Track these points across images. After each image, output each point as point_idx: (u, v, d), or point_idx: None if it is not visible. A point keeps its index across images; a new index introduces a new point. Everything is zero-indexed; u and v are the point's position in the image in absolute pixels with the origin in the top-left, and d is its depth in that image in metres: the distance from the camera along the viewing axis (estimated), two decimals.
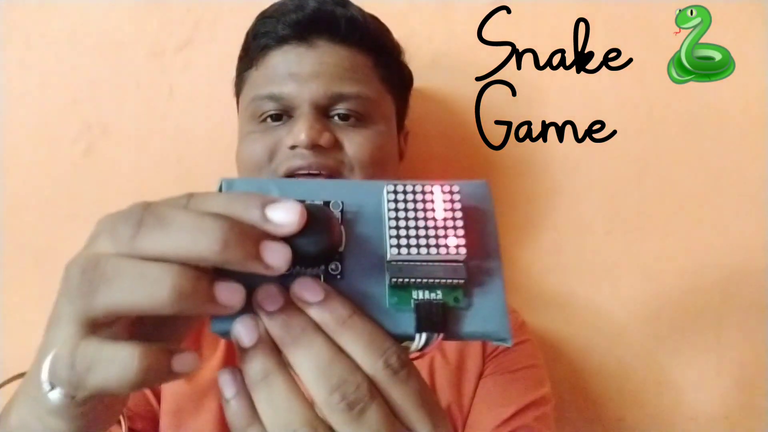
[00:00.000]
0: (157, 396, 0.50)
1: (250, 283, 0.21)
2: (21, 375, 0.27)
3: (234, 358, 0.52)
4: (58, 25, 0.66)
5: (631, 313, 0.69)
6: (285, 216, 0.21)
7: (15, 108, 0.66)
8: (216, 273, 0.21)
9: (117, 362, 0.20)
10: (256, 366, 0.22)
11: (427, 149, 0.67)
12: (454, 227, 0.23)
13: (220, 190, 0.25)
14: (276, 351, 0.22)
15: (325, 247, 0.22)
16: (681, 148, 0.68)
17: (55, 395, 0.21)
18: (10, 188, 0.66)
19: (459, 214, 0.23)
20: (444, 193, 0.23)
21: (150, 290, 0.19)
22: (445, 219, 0.23)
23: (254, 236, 0.20)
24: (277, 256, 0.20)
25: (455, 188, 0.24)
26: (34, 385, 0.22)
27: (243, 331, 0.22)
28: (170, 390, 0.50)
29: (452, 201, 0.23)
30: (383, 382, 0.22)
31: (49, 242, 0.66)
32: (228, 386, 0.22)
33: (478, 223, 0.25)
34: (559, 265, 0.69)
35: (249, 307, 0.22)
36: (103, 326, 0.21)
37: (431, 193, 0.23)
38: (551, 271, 0.69)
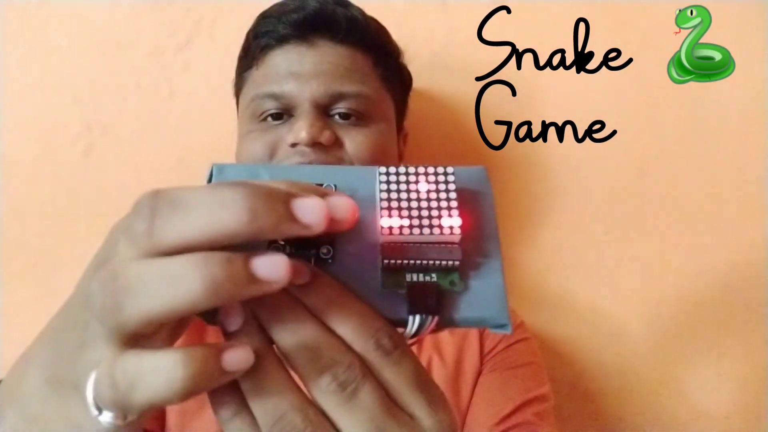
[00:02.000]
0: None
1: None
2: None
3: None
4: (58, 25, 0.66)
5: (631, 313, 0.69)
6: (343, 212, 0.20)
7: (15, 108, 0.66)
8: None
9: (161, 373, 0.18)
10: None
11: (427, 149, 0.67)
12: (448, 207, 0.22)
13: (211, 174, 0.24)
14: (262, 335, 0.21)
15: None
16: (681, 148, 0.68)
17: (106, 419, 0.19)
18: (10, 188, 0.66)
19: (453, 195, 0.22)
20: (438, 174, 0.23)
21: (180, 289, 0.17)
22: (438, 200, 0.22)
23: (282, 197, 0.18)
24: (314, 213, 0.19)
25: (449, 170, 0.23)
26: (49, 402, 0.21)
27: (227, 314, 0.21)
28: None
29: (447, 182, 0.23)
30: (375, 364, 0.21)
31: (49, 242, 0.66)
32: None
33: (475, 206, 0.24)
34: (559, 265, 0.69)
35: None
36: (146, 337, 0.19)
37: (425, 174, 0.23)
38: (551, 271, 0.69)
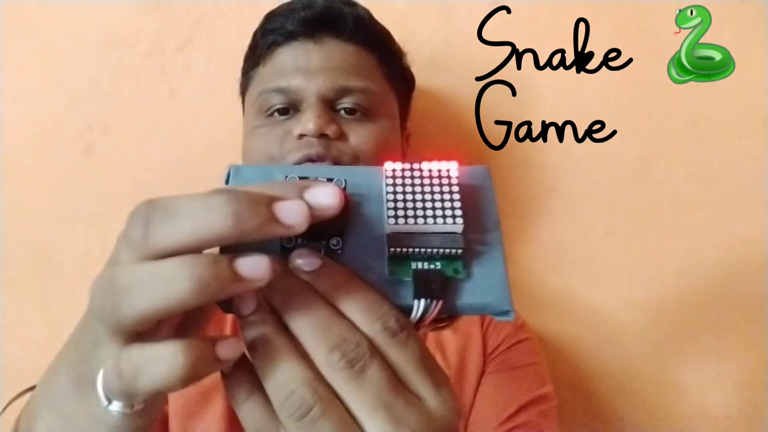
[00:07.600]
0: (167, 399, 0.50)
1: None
2: (31, 389, 0.27)
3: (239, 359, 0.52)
4: (58, 25, 0.66)
5: (631, 313, 0.69)
6: (325, 199, 0.21)
7: (15, 108, 0.66)
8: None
9: (163, 361, 0.19)
10: (255, 331, 0.22)
11: (427, 149, 0.67)
12: (451, 200, 0.23)
13: (228, 175, 0.26)
14: (275, 318, 0.22)
15: (335, 220, 0.22)
16: (681, 148, 0.68)
17: (115, 408, 0.22)
18: (10, 188, 0.66)
19: (456, 188, 0.24)
20: (441, 169, 0.24)
21: (170, 289, 0.19)
22: (442, 192, 0.24)
23: (264, 201, 0.20)
24: (295, 214, 0.20)
25: (453, 165, 0.24)
26: (76, 400, 0.23)
27: (242, 299, 0.22)
28: (176, 393, 0.50)
29: (449, 177, 0.24)
30: (382, 345, 0.22)
31: (49, 242, 0.66)
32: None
33: (477, 199, 0.25)
34: (559, 264, 0.69)
35: None
36: (147, 334, 0.21)
37: (428, 169, 0.24)
38: (551, 270, 0.69)
